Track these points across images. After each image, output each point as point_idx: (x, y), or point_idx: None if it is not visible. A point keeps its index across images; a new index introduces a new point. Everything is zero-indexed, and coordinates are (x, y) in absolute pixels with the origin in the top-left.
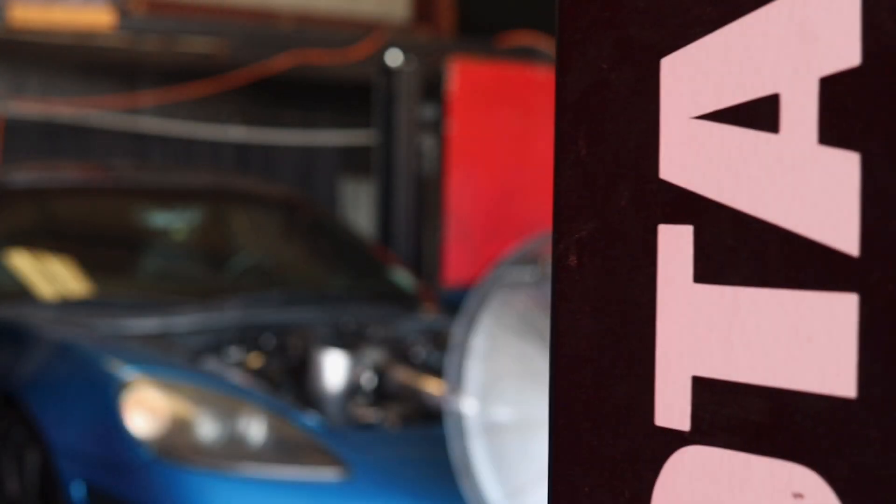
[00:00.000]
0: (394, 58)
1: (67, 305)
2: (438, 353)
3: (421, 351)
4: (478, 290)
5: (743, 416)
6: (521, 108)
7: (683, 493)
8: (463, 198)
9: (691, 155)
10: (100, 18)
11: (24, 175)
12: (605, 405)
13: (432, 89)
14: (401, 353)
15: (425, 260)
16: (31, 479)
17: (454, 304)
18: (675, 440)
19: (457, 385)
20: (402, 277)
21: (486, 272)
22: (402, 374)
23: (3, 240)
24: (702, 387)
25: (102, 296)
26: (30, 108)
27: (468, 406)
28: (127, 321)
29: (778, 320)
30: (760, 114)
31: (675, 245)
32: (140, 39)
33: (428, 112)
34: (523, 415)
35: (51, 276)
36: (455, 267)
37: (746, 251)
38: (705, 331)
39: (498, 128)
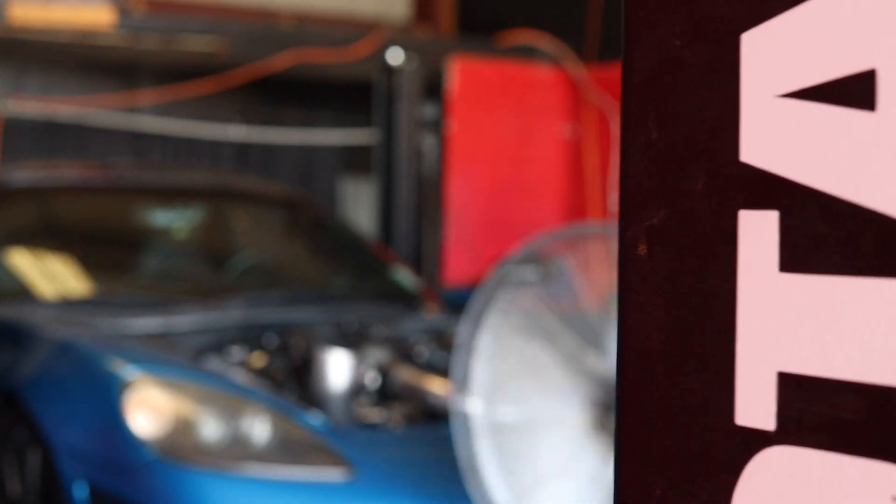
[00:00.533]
0: (394, 56)
1: (68, 305)
2: (442, 353)
3: (424, 350)
4: (482, 290)
5: (835, 415)
6: (522, 107)
7: (767, 496)
8: (463, 197)
9: (776, 136)
10: (99, 17)
11: (25, 174)
12: (679, 403)
13: (432, 88)
14: (404, 352)
15: (425, 259)
16: (32, 480)
17: (454, 303)
18: (757, 440)
19: (462, 385)
20: (404, 276)
21: (488, 271)
22: (405, 374)
23: (4, 239)
24: (788, 383)
25: (103, 295)
26: (29, 106)
27: (474, 406)
28: (128, 320)
29: (873, 311)
30: (854, 91)
31: (758, 232)
32: (139, 38)
33: (428, 111)
34: (529, 415)
35: (51, 276)
36: (455, 266)
37: (838, 238)
38: (792, 323)
39: (498, 127)
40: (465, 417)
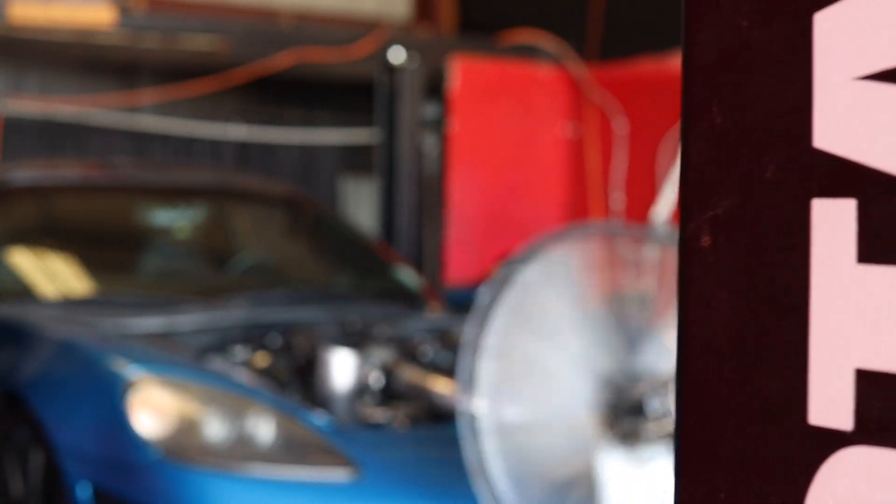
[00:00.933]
0: (396, 55)
1: (70, 304)
2: (446, 352)
3: (428, 350)
4: (488, 289)
5: None
6: (523, 107)
7: (844, 499)
8: (464, 196)
9: (853, 120)
10: (100, 16)
11: (26, 173)
12: (747, 402)
13: (433, 88)
14: (408, 352)
15: (426, 258)
16: (35, 480)
17: (456, 302)
18: (834, 440)
19: (468, 384)
20: (407, 276)
21: (490, 270)
22: (409, 374)
23: (5, 238)
24: (867, 381)
25: (105, 295)
26: (29, 105)
27: (480, 406)
28: (130, 320)
29: None
30: None
31: (834, 221)
32: (140, 37)
33: (429, 111)
34: (536, 415)
35: (53, 275)
36: (456, 266)
37: None
38: (871, 318)
39: (499, 126)
40: (471, 417)
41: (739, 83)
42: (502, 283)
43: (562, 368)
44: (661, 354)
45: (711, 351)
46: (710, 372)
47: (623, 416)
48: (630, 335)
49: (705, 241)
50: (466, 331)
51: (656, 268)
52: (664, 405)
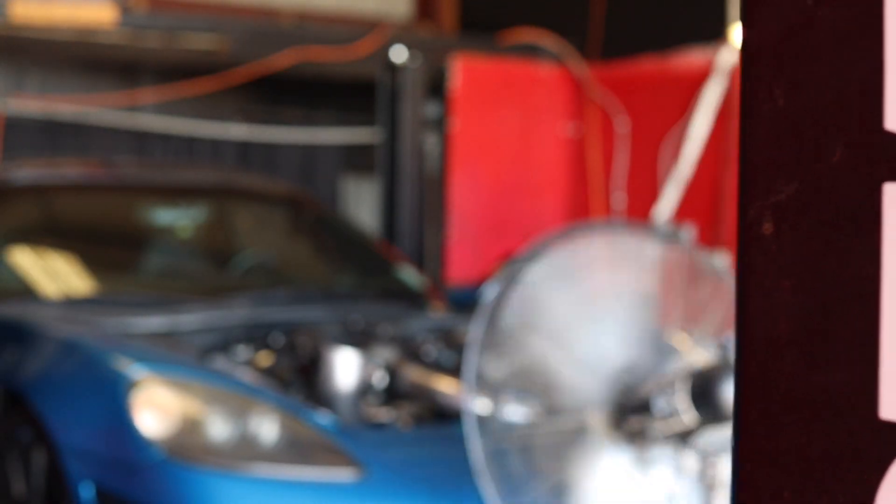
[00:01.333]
0: (398, 54)
1: (72, 304)
2: (449, 352)
3: (431, 349)
4: (493, 288)
5: None
6: (525, 106)
7: None
8: (465, 195)
9: None
10: (101, 15)
11: (28, 172)
12: (812, 396)
13: (434, 87)
14: (412, 351)
15: (428, 258)
16: (37, 480)
17: (457, 301)
18: None
19: (473, 383)
20: (409, 275)
21: (496, 269)
22: (413, 373)
23: (7, 237)
24: None
25: (107, 294)
26: (30, 105)
27: (485, 405)
28: (133, 319)
29: None
30: None
31: None
32: (141, 36)
33: (430, 110)
34: (542, 414)
35: (55, 274)
36: (457, 265)
37: None
38: None
39: (500, 125)
40: (475, 416)
41: (804, 63)
42: (508, 282)
43: (567, 367)
44: (667, 353)
45: (774, 343)
46: (771, 364)
47: (629, 415)
48: (635, 334)
49: (767, 228)
50: (471, 329)
51: (659, 267)
52: (671, 404)
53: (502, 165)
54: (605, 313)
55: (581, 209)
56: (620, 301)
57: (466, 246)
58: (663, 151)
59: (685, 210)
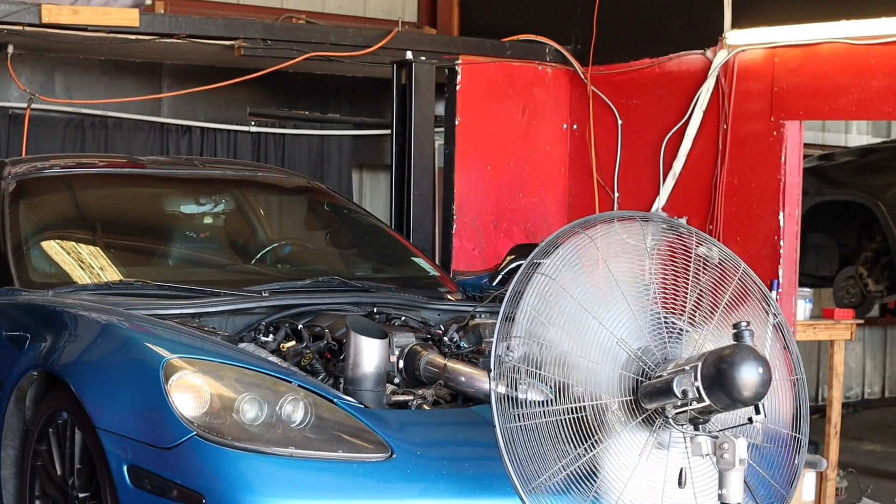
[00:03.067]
0: (410, 53)
1: (105, 290)
2: (469, 337)
3: (453, 335)
4: (518, 276)
5: None
6: (526, 105)
7: None
8: (468, 190)
9: None
10: (125, 18)
11: (59, 164)
12: None
13: (439, 86)
14: (433, 337)
15: (437, 251)
16: (76, 461)
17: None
18: None
19: (496, 368)
20: (425, 264)
21: (504, 260)
22: (435, 358)
23: (42, 227)
24: None
25: (137, 282)
26: (55, 102)
27: (508, 389)
28: (164, 307)
29: None
30: None
31: None
32: (163, 36)
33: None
34: (563, 398)
35: (87, 263)
36: (461, 258)
37: None
38: None
39: (503, 123)
40: (497, 399)
41: None
42: (530, 271)
43: (584, 352)
44: (680, 338)
45: None
46: None
47: (644, 399)
48: (648, 320)
49: None
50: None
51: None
52: (685, 388)
53: (505, 162)
54: (618, 300)
55: (581, 204)
56: (632, 288)
57: (469, 239)
58: (660, 149)
59: (680, 205)
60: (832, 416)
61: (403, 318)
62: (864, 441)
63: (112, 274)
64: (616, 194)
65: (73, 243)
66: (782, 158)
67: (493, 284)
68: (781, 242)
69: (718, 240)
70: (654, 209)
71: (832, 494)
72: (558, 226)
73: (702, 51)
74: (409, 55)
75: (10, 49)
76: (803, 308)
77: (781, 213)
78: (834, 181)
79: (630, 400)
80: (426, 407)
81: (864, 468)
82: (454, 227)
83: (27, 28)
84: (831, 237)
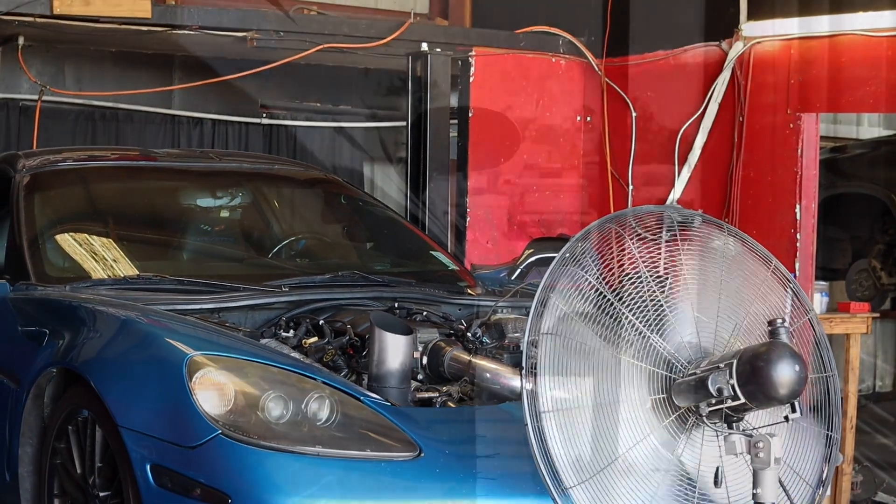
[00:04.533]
0: (426, 45)
1: (123, 285)
2: (492, 333)
3: (476, 330)
4: (548, 272)
5: None
6: (541, 97)
7: None
8: (483, 184)
9: None
10: (137, 9)
11: (74, 156)
12: None
13: (454, 78)
14: (456, 332)
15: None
16: (96, 459)
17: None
18: None
19: (526, 364)
20: (444, 258)
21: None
22: (459, 355)
23: (58, 222)
24: None
25: (155, 277)
26: (65, 94)
27: (536, 386)
28: (182, 301)
29: None
30: None
31: None
32: (174, 28)
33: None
34: (594, 395)
35: (103, 257)
36: (475, 252)
37: None
38: None
39: (517, 115)
40: (527, 397)
41: None
42: (560, 266)
43: (618, 349)
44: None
45: None
46: None
47: (680, 398)
48: (679, 317)
49: None
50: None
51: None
52: (725, 387)
53: (518, 153)
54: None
55: (595, 197)
56: (665, 284)
57: (483, 230)
58: (675, 141)
59: (695, 197)
60: (848, 410)
61: (425, 312)
62: (877, 435)
63: (129, 268)
64: (630, 187)
65: (89, 237)
66: (799, 151)
67: (513, 278)
68: (798, 236)
69: None
70: (668, 202)
71: (848, 489)
72: (572, 219)
73: (717, 43)
74: (424, 47)
75: (21, 41)
76: (819, 301)
77: (798, 206)
78: (846, 174)
79: (662, 398)
80: (451, 404)
81: (877, 462)
82: (468, 220)
83: (38, 19)
84: (844, 230)
